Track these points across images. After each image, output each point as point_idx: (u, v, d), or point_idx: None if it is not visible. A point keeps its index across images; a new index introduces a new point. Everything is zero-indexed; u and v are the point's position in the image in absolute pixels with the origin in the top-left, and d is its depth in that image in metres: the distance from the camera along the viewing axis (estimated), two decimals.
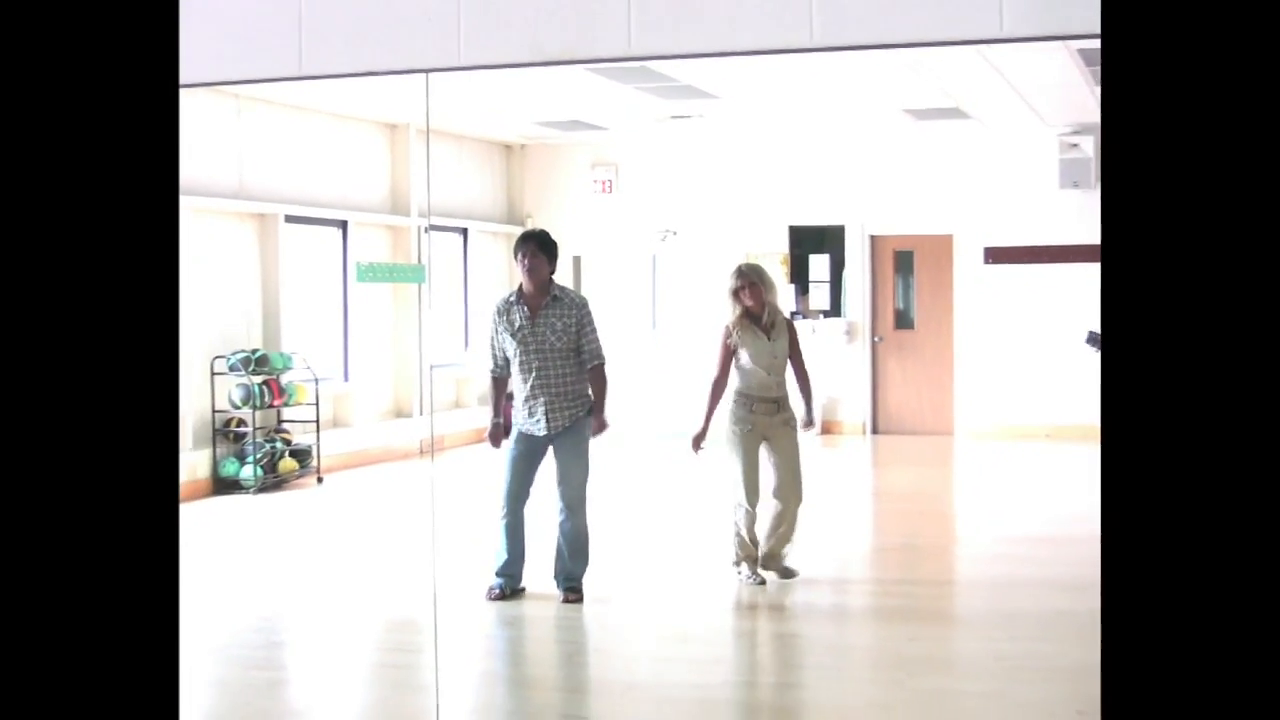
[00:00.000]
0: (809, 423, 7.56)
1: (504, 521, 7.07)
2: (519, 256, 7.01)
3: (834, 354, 14.74)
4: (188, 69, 4.78)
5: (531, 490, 7.11)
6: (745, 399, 7.32)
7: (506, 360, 7.05)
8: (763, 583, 7.34)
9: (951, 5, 3.92)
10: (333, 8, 4.43)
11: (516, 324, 6.96)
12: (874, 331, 14.93)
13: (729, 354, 7.36)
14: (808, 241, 14.98)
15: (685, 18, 4.13)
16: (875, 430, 14.86)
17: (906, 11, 3.96)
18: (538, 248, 6.96)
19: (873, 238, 14.88)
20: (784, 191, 14.94)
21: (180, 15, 4.67)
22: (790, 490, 7.32)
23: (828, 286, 15.00)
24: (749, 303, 7.33)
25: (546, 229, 7.50)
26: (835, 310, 14.90)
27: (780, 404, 7.36)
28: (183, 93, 10.64)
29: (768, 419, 7.31)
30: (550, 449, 7.04)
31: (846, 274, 14.92)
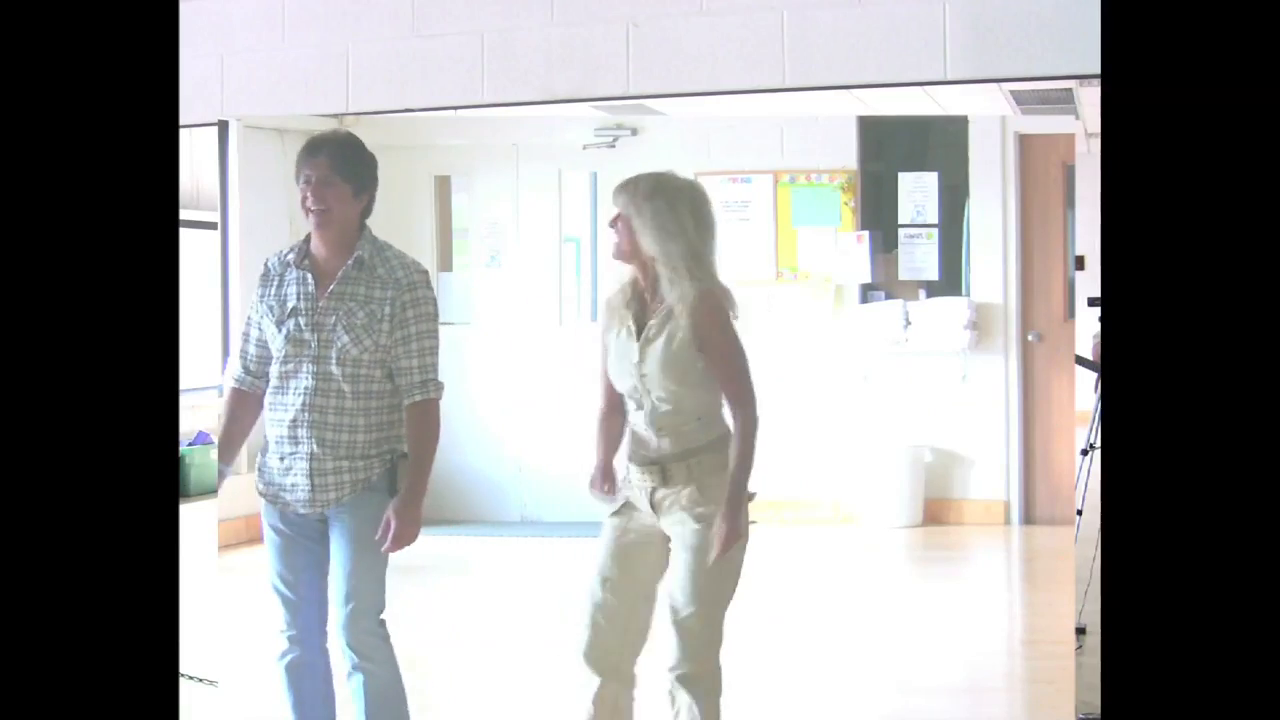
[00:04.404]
0: None
1: None
2: (299, 178, 3.19)
3: None
4: (252, 106, 4.80)
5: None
6: None
7: (259, 366, 3.29)
8: None
9: (901, 52, 3.93)
10: (374, 55, 4.46)
11: (289, 303, 3.23)
12: None
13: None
14: None
15: (676, 62, 4.13)
16: None
17: (863, 57, 3.97)
18: (329, 166, 3.14)
19: None
20: None
21: (250, 63, 4.70)
22: None
23: None
24: None
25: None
26: None
27: None
28: (241, 129, 10.38)
29: None
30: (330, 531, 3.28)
31: None
